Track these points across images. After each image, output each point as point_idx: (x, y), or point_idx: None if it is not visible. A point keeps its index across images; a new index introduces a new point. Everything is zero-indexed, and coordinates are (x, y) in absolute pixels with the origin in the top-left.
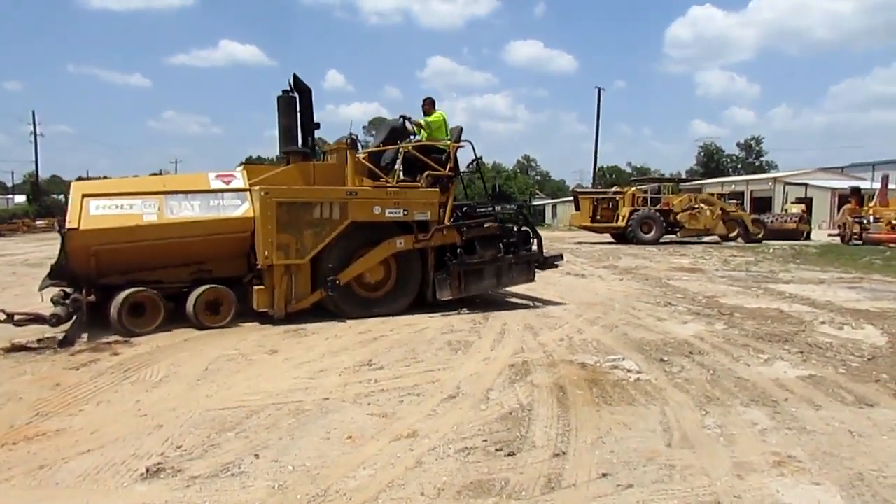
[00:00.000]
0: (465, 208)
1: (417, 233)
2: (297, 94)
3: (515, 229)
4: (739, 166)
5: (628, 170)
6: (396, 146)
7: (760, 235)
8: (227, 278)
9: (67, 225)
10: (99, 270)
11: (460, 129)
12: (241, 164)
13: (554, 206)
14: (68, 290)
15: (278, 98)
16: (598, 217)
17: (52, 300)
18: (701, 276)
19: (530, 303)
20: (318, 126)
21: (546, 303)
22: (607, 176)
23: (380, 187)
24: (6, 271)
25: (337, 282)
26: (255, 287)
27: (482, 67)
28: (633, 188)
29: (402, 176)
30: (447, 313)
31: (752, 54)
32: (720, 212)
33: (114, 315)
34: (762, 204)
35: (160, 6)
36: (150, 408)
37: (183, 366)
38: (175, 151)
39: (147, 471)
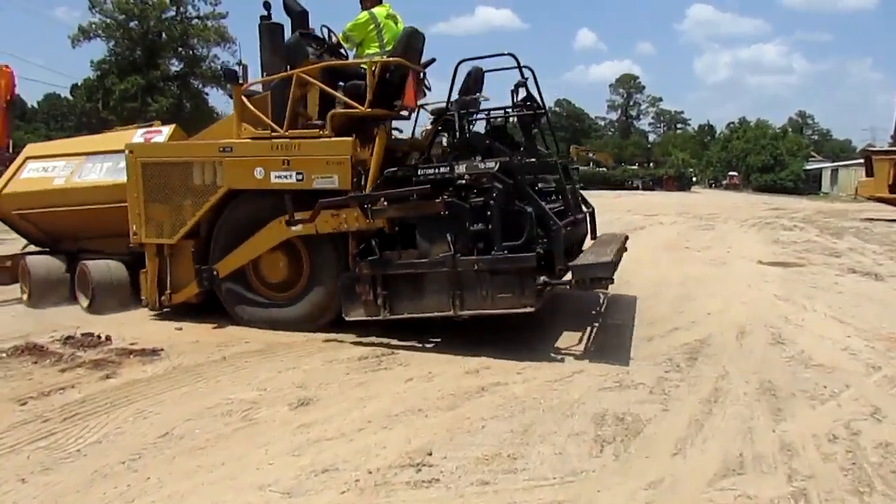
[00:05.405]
0: (396, 170)
1: (293, 210)
2: (287, 19)
3: (495, 208)
4: None
5: None
6: (286, 73)
7: None
8: None
9: None
10: (47, 235)
11: (407, 33)
12: None
13: (834, 171)
14: None
15: (258, 27)
16: None
17: None
18: None
19: (774, 328)
20: None
21: (807, 330)
22: None
23: (259, 138)
24: None
25: (213, 273)
26: (141, 270)
27: (751, 13)
28: None
29: (314, 120)
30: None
31: None
32: None
33: None
34: None
35: None
36: None
37: (147, 419)
38: None
39: None
